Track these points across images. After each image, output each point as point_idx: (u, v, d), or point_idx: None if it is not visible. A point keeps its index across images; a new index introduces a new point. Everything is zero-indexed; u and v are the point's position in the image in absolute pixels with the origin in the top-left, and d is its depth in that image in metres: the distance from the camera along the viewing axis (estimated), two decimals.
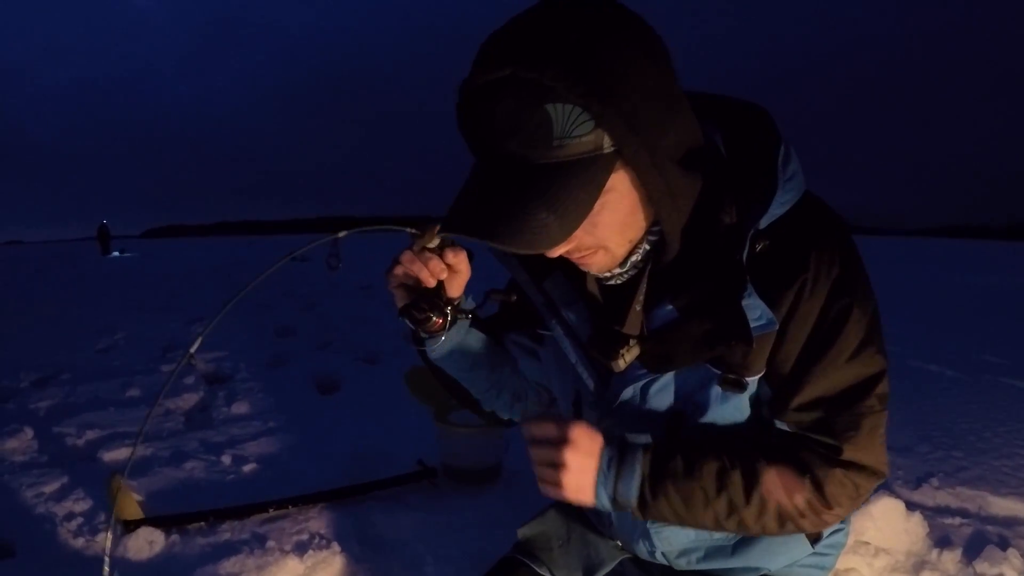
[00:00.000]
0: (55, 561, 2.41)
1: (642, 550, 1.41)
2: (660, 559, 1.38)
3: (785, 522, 1.14)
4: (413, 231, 1.15)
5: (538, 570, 1.52)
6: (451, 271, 1.20)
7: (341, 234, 1.26)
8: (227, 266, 18.90)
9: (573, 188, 0.91)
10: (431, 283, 1.20)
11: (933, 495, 2.91)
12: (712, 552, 1.33)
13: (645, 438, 1.16)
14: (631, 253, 1.08)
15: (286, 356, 5.77)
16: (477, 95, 0.91)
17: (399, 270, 1.19)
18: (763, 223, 1.03)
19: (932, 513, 2.68)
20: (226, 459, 3.34)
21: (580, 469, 1.11)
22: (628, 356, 1.14)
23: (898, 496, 2.54)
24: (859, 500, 1.15)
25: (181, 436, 3.73)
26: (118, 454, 3.41)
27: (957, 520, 2.66)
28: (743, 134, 1.09)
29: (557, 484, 1.11)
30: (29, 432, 3.66)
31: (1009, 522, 2.70)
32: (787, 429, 1.13)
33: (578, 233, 0.98)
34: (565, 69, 0.84)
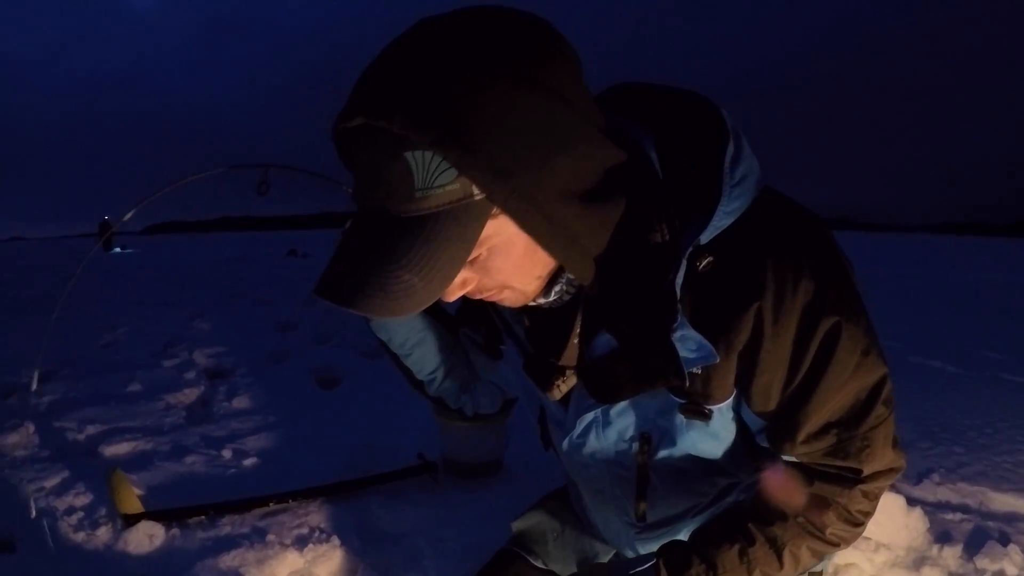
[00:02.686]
0: (55, 556, 2.40)
1: (631, 555, 1.41)
2: None
3: (824, 554, 1.14)
4: (350, 190, 1.07)
5: (534, 562, 1.53)
6: None
7: (270, 167, 1.23)
8: (228, 262, 18.91)
9: (439, 244, 0.83)
10: None
11: (934, 491, 2.91)
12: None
13: (651, 560, 1.15)
14: (553, 283, 1.00)
15: (287, 351, 5.76)
16: (340, 143, 0.88)
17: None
18: (705, 238, 0.94)
19: (933, 508, 2.68)
20: (227, 453, 3.35)
21: None
22: (564, 386, 1.11)
23: (899, 491, 2.54)
24: (879, 498, 1.14)
25: (182, 430, 3.73)
26: (119, 449, 3.41)
27: (958, 516, 2.65)
28: (681, 138, 0.99)
29: None
30: (30, 427, 3.65)
31: (1010, 518, 2.69)
32: (796, 461, 1.09)
33: (473, 276, 0.94)
34: (414, 116, 0.77)
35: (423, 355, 1.41)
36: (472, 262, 0.91)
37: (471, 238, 0.86)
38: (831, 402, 1.01)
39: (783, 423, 1.04)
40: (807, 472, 1.09)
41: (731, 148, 0.95)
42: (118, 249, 31.69)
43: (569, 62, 0.87)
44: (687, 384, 0.99)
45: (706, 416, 1.06)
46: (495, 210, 0.85)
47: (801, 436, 1.03)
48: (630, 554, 1.40)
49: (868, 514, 1.12)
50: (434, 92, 0.78)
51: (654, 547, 1.32)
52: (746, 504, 1.16)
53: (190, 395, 4.47)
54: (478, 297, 1.01)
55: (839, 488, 1.07)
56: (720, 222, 0.94)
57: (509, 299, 1.01)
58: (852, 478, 1.07)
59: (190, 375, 4.89)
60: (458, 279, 0.91)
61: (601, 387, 1.06)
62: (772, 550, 1.10)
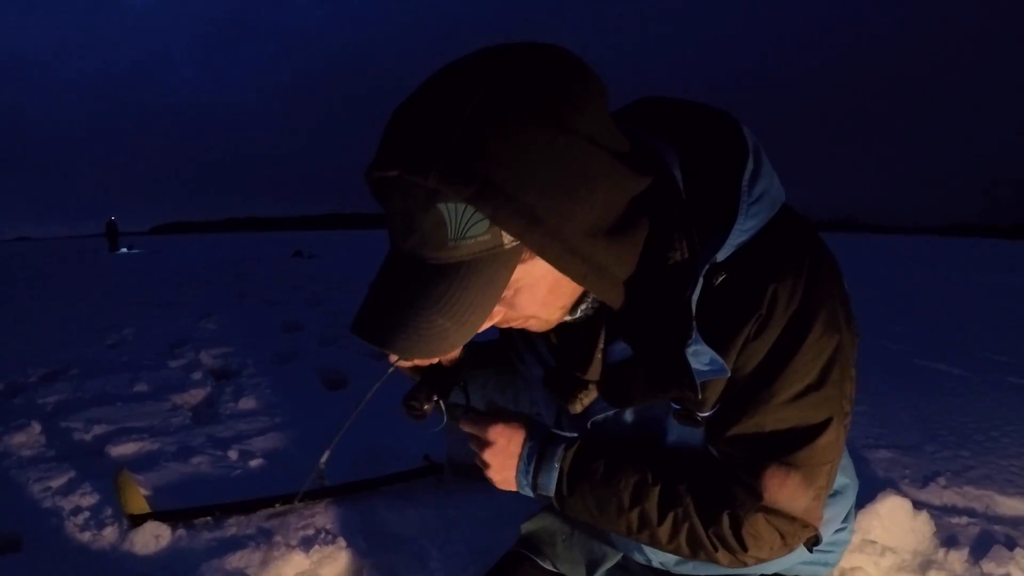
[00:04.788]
0: (62, 555, 2.42)
1: (639, 558, 1.41)
2: (659, 566, 1.39)
3: (698, 550, 1.09)
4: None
5: (542, 564, 1.53)
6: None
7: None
8: (234, 262, 18.96)
9: (471, 290, 0.87)
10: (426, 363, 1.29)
11: (940, 494, 2.91)
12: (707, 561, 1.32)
13: (571, 436, 1.17)
14: (578, 304, 1.04)
15: (293, 352, 5.78)
16: (375, 189, 0.90)
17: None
18: (721, 255, 0.97)
19: (939, 512, 2.68)
20: (233, 454, 3.36)
21: (502, 466, 1.18)
22: (585, 400, 1.15)
23: (905, 495, 2.53)
24: (785, 549, 1.09)
25: (188, 431, 3.74)
26: (125, 449, 3.42)
27: (964, 519, 2.65)
28: (703, 156, 1.02)
29: (488, 479, 1.21)
30: (37, 427, 3.67)
31: (1016, 522, 2.69)
32: (718, 457, 1.08)
33: (500, 310, 0.98)
34: (449, 172, 0.80)
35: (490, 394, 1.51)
36: (500, 300, 0.94)
37: (501, 283, 0.90)
38: (763, 417, 1.01)
39: (721, 416, 1.05)
40: (726, 472, 1.07)
41: (750, 166, 0.99)
42: (124, 249, 31.81)
43: (595, 98, 0.89)
44: (699, 396, 1.00)
45: (697, 423, 1.07)
46: (525, 254, 0.89)
47: (726, 434, 1.04)
48: (637, 556, 1.40)
49: (757, 549, 1.07)
50: (468, 147, 0.80)
51: (657, 550, 1.33)
52: (675, 461, 1.13)
53: (196, 395, 4.49)
54: (504, 327, 1.06)
55: (744, 500, 1.05)
56: (737, 239, 0.97)
57: (534, 326, 1.06)
58: (754, 500, 1.04)
59: (196, 375, 4.91)
60: None
61: (614, 391, 1.11)
62: (663, 502, 1.08)
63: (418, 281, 0.88)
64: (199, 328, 7.06)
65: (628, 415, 1.16)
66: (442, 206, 0.82)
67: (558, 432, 1.18)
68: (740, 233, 0.97)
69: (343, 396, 4.54)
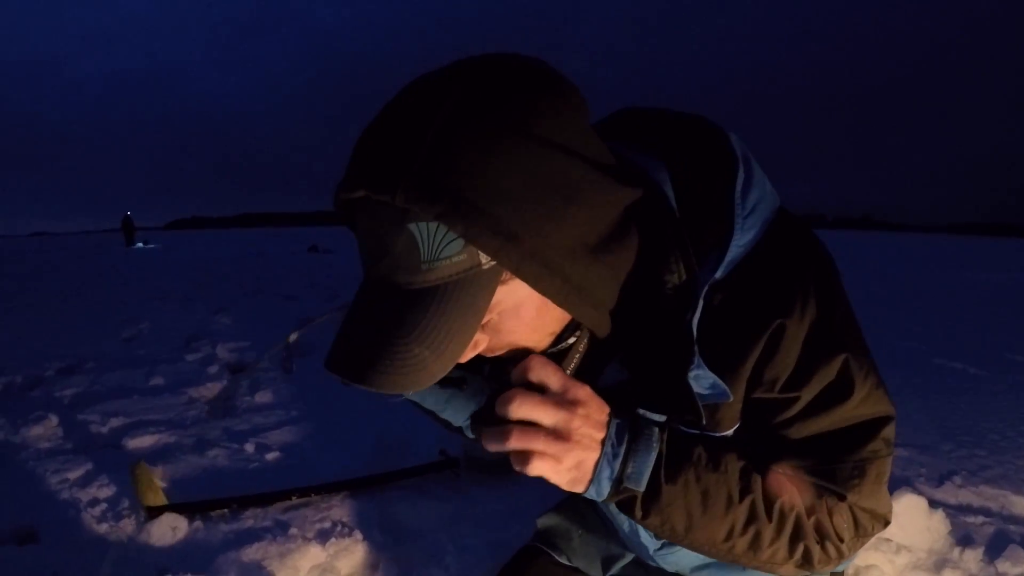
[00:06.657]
0: (78, 546, 2.43)
1: (651, 564, 1.41)
2: (673, 571, 1.38)
3: (795, 548, 0.99)
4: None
5: (558, 559, 1.53)
6: None
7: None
8: (249, 258, 19.05)
9: (449, 316, 0.80)
10: None
11: (956, 493, 2.89)
12: (723, 568, 1.30)
13: (660, 417, 0.97)
14: (566, 333, 0.96)
15: (309, 346, 5.79)
16: (344, 212, 0.86)
17: None
18: (720, 273, 0.92)
19: (954, 511, 2.66)
20: (249, 447, 3.38)
21: (579, 444, 0.89)
22: None
23: (920, 493, 2.52)
24: (861, 541, 1.04)
25: (205, 424, 3.77)
26: (142, 442, 3.45)
27: (979, 519, 2.64)
28: (692, 171, 0.97)
29: (553, 456, 0.89)
30: (54, 419, 3.70)
31: None
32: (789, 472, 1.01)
33: (483, 337, 0.90)
34: (417, 189, 0.74)
35: (456, 405, 1.32)
36: (483, 325, 0.88)
37: (481, 307, 0.83)
38: (827, 425, 0.98)
39: (778, 439, 1.00)
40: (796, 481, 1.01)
41: (741, 176, 0.95)
42: (140, 244, 32.04)
43: (572, 107, 0.84)
44: (703, 421, 0.94)
45: None
46: (505, 275, 0.82)
47: (792, 451, 0.99)
48: (652, 564, 1.41)
49: (841, 535, 1.01)
50: (436, 163, 0.75)
51: (674, 563, 1.32)
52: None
53: (213, 389, 4.51)
54: (490, 356, 0.98)
55: (827, 495, 1.00)
56: (734, 255, 0.93)
57: (519, 357, 0.96)
58: (838, 496, 1.00)
59: (213, 369, 4.94)
60: None
61: None
62: (769, 490, 0.98)
63: (392, 309, 0.82)
64: (215, 322, 7.09)
65: None
66: (413, 226, 0.77)
67: (644, 413, 0.96)
68: (736, 248, 0.93)
69: (359, 390, 4.52)
